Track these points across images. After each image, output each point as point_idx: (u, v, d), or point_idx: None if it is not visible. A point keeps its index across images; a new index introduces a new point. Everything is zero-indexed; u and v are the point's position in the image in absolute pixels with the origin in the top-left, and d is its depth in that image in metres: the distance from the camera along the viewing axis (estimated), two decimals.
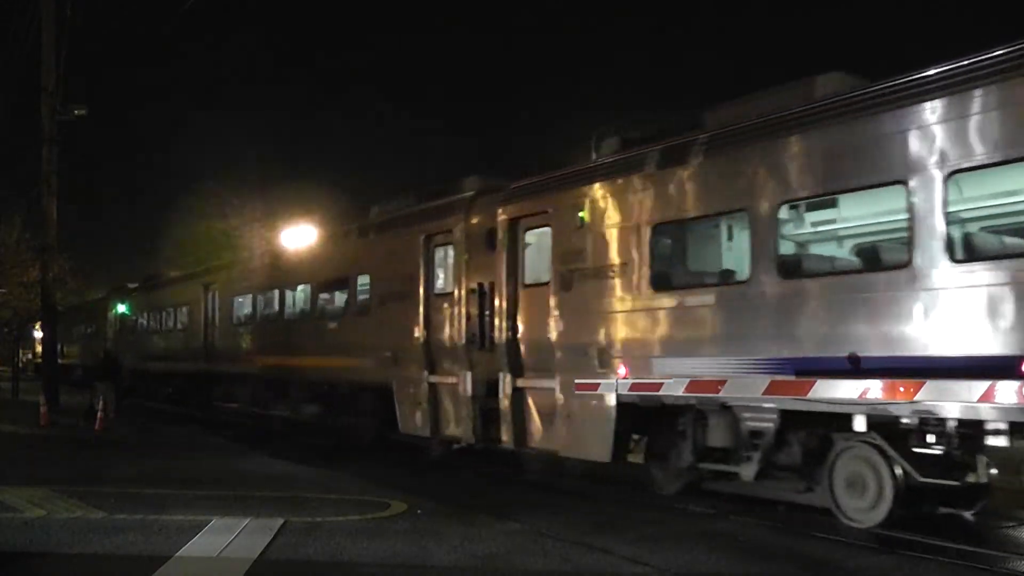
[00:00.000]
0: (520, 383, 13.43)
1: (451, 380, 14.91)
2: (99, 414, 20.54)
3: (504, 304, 13.68)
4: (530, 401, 13.39)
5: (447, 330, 15.05)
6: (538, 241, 13.43)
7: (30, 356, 55.80)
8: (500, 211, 13.93)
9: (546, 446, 12.99)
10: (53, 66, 23.31)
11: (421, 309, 15.56)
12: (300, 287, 21.28)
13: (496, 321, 13.81)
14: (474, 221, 14.81)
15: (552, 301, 12.73)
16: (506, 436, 13.58)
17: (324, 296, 20.25)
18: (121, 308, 35.93)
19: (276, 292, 22.31)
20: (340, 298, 19.38)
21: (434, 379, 15.36)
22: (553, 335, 12.69)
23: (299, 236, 22.04)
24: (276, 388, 22.06)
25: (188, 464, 14.32)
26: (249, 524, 8.88)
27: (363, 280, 18.10)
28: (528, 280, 13.53)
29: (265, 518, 9.15)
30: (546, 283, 12.94)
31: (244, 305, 24.77)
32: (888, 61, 9.54)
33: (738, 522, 9.97)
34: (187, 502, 10.17)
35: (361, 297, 18.27)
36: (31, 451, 16.17)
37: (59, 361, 34.63)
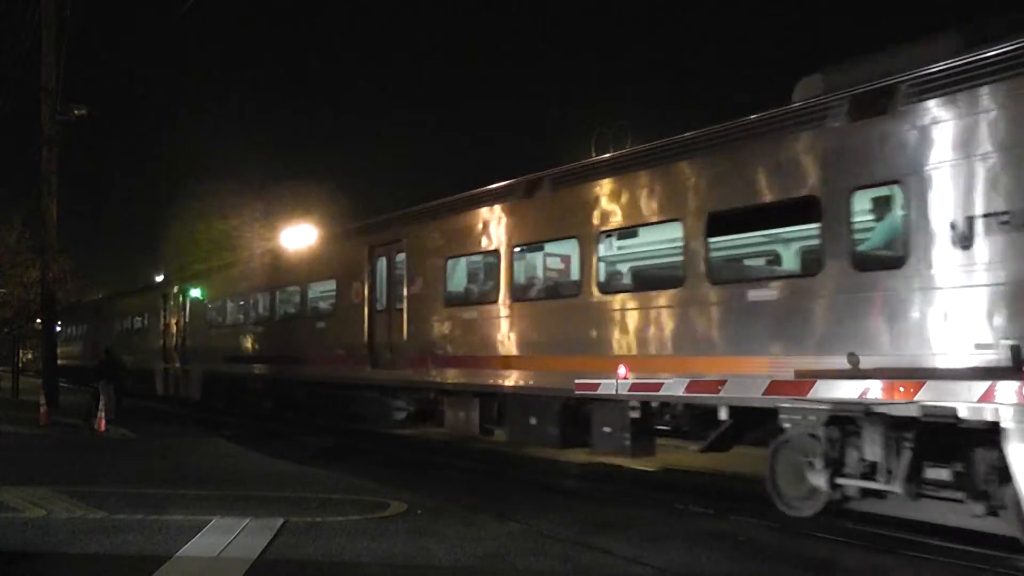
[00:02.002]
0: None
1: None
2: (99, 414, 20.54)
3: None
4: None
5: None
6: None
7: (30, 356, 55.79)
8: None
9: None
10: (53, 66, 23.30)
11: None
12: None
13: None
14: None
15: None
16: None
17: None
18: (195, 293, 28.72)
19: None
20: None
21: None
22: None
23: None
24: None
25: (188, 464, 14.32)
26: (249, 524, 8.87)
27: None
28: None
29: (265, 518, 9.15)
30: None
31: (468, 274, 16.22)
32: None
33: (738, 522, 9.97)
34: (187, 502, 10.17)
35: None
36: (31, 451, 16.16)
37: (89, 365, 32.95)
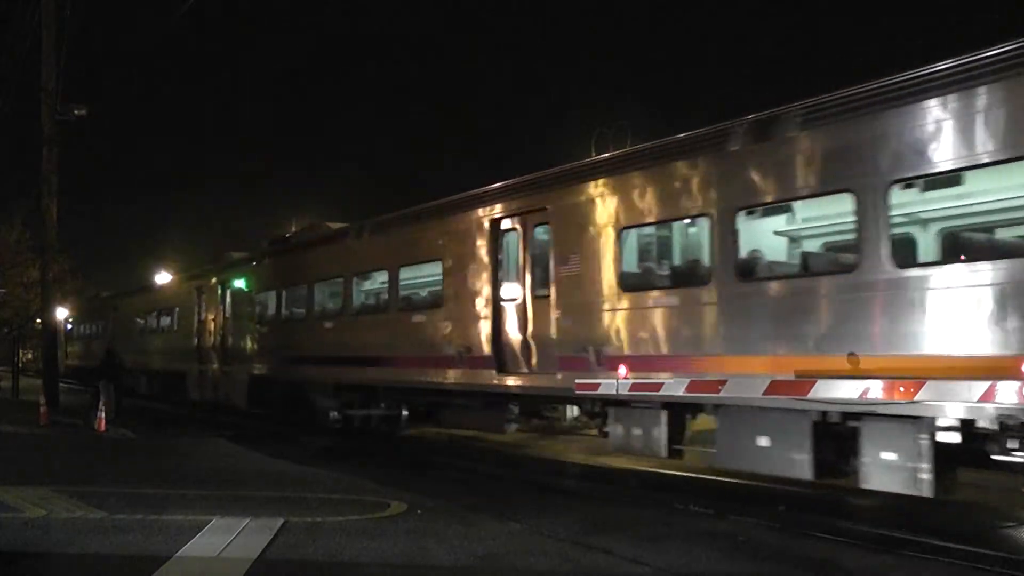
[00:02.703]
0: None
1: None
2: (100, 414, 20.56)
3: None
4: None
5: None
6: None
7: (30, 356, 55.76)
8: None
9: None
10: (53, 66, 23.29)
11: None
12: None
13: None
14: None
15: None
16: None
17: None
18: (239, 284, 24.55)
19: None
20: None
21: None
22: None
23: None
24: None
25: (188, 464, 14.32)
26: (249, 524, 8.87)
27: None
28: None
29: (265, 518, 9.15)
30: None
31: (657, 248, 13.19)
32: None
33: (738, 522, 9.97)
34: (187, 502, 10.17)
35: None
36: (31, 451, 16.16)
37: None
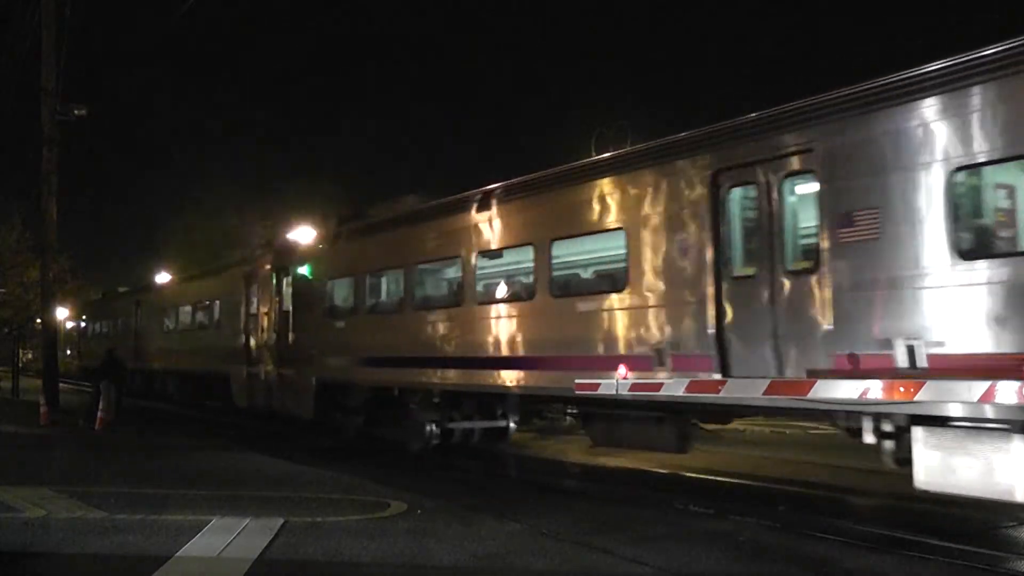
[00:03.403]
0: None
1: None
2: (99, 414, 20.56)
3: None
4: None
5: None
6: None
7: (30, 356, 55.74)
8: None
9: None
10: (53, 66, 23.29)
11: None
12: None
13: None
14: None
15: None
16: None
17: None
18: (302, 271, 20.22)
19: None
20: None
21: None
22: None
23: None
24: None
25: (188, 464, 14.32)
26: (249, 524, 8.87)
27: None
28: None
29: (265, 518, 9.15)
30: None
31: None
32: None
33: (738, 522, 9.96)
34: (187, 502, 10.17)
35: None
36: (31, 451, 16.17)
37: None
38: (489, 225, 14.56)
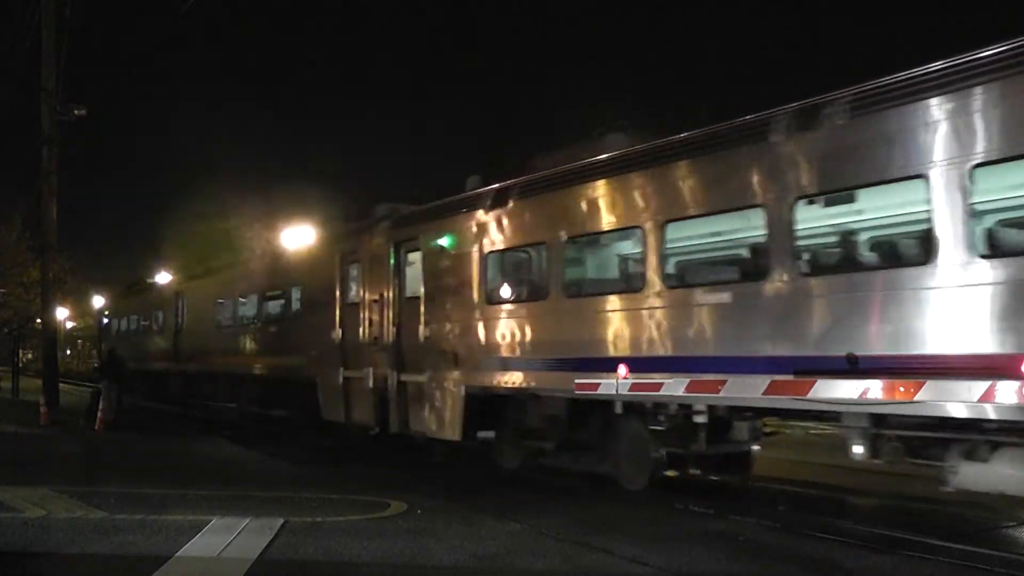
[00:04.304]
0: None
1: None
2: (99, 414, 20.56)
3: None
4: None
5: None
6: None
7: (30, 356, 55.80)
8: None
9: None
10: (53, 66, 23.30)
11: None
12: None
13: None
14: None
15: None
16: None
17: None
18: (438, 243, 15.28)
19: None
20: None
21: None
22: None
23: None
24: None
25: (188, 464, 14.33)
26: (249, 524, 8.88)
27: None
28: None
29: (265, 518, 9.15)
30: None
31: None
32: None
33: (738, 522, 9.96)
34: (187, 502, 10.17)
35: None
36: (31, 451, 16.17)
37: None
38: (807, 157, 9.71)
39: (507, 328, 13.65)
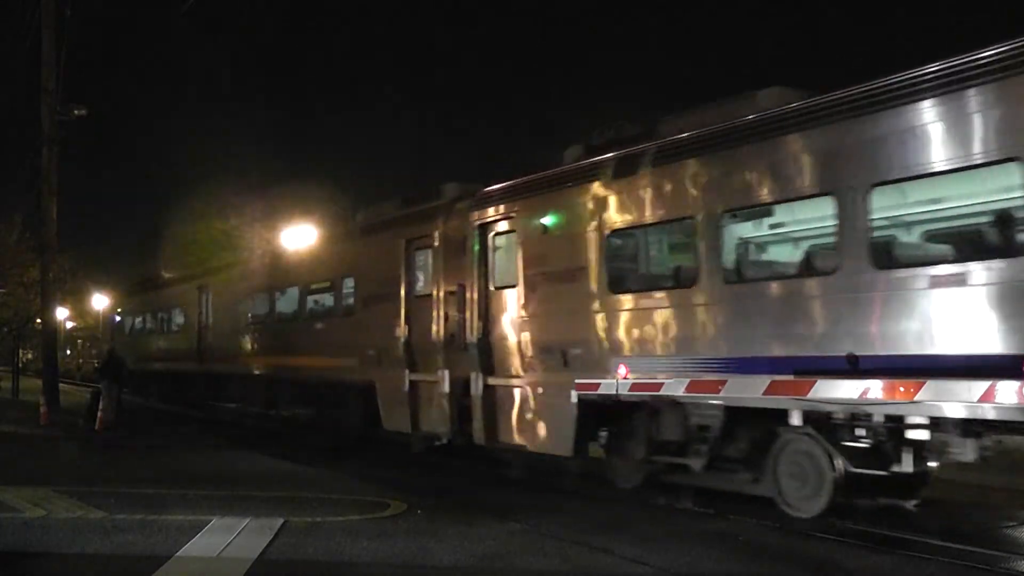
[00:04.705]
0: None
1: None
2: (99, 414, 20.57)
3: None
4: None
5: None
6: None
7: (30, 356, 55.78)
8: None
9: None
10: (53, 66, 23.30)
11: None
12: None
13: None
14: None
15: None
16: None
17: None
18: (544, 224, 12.87)
19: None
20: None
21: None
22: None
23: None
24: None
25: (188, 464, 14.32)
26: (249, 524, 8.87)
27: None
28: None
29: (265, 518, 9.14)
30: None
31: None
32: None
33: (738, 522, 9.96)
34: (187, 502, 10.17)
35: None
36: (31, 451, 16.17)
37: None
38: None
39: (637, 321, 11.37)
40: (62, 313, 43.54)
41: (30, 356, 55.57)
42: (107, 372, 21.89)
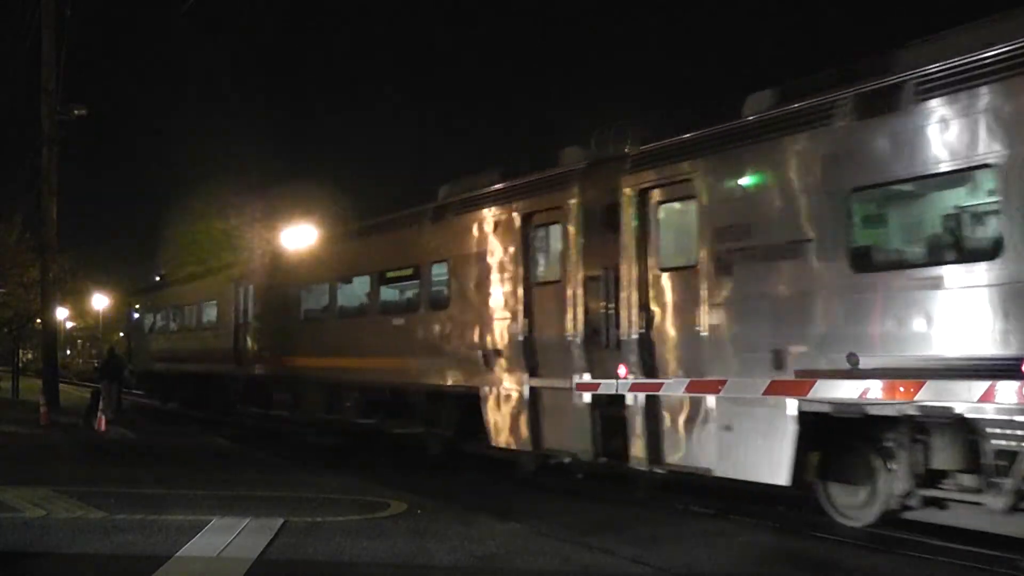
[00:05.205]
0: None
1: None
2: (100, 414, 20.57)
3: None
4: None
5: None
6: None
7: (30, 356, 55.80)
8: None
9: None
10: (53, 66, 23.31)
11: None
12: None
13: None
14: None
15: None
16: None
17: None
18: (743, 182, 10.11)
19: None
20: None
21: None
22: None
23: None
24: None
25: (187, 464, 14.32)
26: (249, 524, 8.87)
27: None
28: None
29: (265, 518, 9.14)
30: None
31: None
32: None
33: (738, 522, 9.96)
34: (187, 502, 10.17)
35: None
36: (31, 451, 16.17)
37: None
38: None
39: (904, 309, 8.38)
40: (62, 313, 43.53)
41: (30, 356, 55.59)
42: (107, 372, 21.90)
